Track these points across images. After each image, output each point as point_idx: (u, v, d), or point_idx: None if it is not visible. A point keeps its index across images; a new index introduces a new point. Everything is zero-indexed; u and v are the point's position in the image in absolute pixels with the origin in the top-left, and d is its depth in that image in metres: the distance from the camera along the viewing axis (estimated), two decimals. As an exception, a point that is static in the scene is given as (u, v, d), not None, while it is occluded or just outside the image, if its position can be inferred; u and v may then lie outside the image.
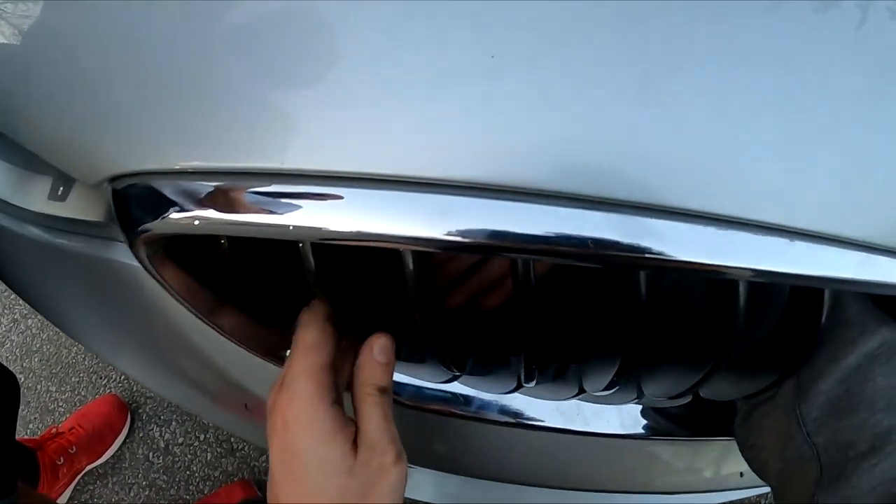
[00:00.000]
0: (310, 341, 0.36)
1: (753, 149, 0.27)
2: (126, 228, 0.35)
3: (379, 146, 0.28)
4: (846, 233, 0.29)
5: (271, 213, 0.30)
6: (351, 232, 0.29)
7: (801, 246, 0.29)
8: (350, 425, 0.36)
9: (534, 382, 0.46)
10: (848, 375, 0.35)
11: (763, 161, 0.27)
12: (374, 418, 0.37)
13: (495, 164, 0.27)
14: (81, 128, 0.35)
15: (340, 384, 0.40)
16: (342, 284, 0.37)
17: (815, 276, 0.29)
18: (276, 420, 0.36)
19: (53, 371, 1.53)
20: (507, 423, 0.53)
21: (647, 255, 0.27)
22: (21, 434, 1.47)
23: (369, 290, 0.41)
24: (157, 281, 0.39)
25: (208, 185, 0.32)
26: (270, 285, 0.41)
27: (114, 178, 0.35)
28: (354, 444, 0.36)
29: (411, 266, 0.31)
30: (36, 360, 1.56)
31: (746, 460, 0.44)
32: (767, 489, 0.49)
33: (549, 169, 0.27)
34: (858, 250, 0.30)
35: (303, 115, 0.29)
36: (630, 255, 0.27)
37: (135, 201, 0.34)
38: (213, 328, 0.44)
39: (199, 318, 0.42)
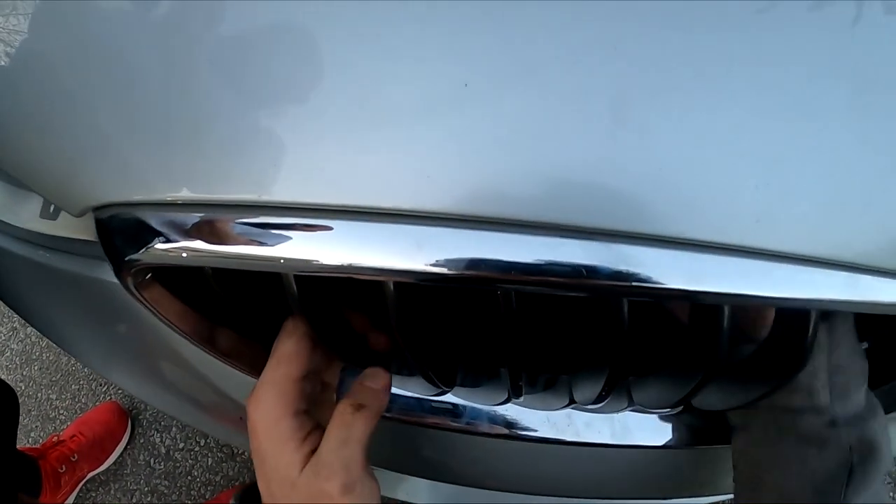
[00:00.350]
0: (285, 353, 0.37)
1: (735, 173, 0.27)
2: (112, 258, 0.35)
3: (364, 179, 0.28)
4: (830, 254, 0.29)
5: (261, 244, 0.30)
6: (343, 265, 0.29)
7: (785, 269, 0.29)
8: (313, 437, 0.36)
9: (522, 397, 0.46)
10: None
11: (746, 185, 0.27)
12: (332, 439, 0.35)
13: (476, 195, 0.27)
14: (65, 158, 0.35)
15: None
16: (326, 308, 0.37)
17: (801, 298, 0.29)
18: (248, 424, 0.37)
19: (53, 379, 1.53)
20: (497, 435, 0.53)
21: (626, 284, 0.27)
22: (22, 442, 1.47)
23: (352, 312, 0.41)
24: (145, 306, 0.38)
25: (194, 216, 0.32)
26: (257, 307, 0.41)
27: (98, 208, 0.35)
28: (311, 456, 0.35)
29: (392, 292, 0.31)
30: (36, 368, 1.56)
31: None
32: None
33: (528, 198, 0.27)
34: (843, 271, 0.30)
35: (288, 147, 0.29)
36: (610, 283, 0.27)
37: (119, 232, 0.34)
38: (203, 349, 0.44)
39: (189, 341, 0.42)
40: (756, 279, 0.28)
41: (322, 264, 0.29)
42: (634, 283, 0.27)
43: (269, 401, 0.36)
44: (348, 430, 0.36)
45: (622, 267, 0.27)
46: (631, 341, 0.33)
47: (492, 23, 0.26)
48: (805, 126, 0.27)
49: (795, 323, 0.36)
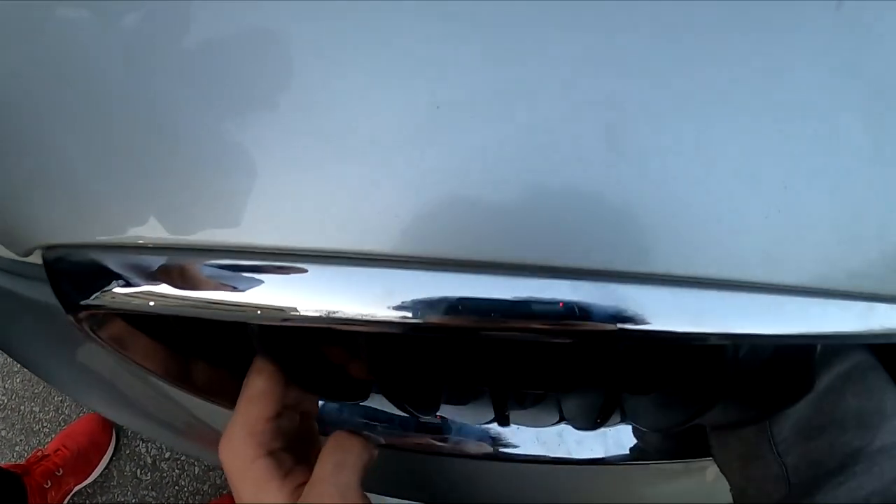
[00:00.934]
0: (255, 392, 0.35)
1: (742, 203, 0.24)
2: (65, 304, 0.32)
3: (333, 220, 0.25)
4: (844, 285, 0.27)
5: (233, 289, 0.28)
6: (322, 317, 0.26)
7: (797, 302, 0.26)
8: (295, 474, 0.34)
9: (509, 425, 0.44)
10: (820, 397, 0.35)
11: (754, 215, 0.24)
12: (327, 463, 0.33)
13: (452, 235, 0.24)
14: (9, 193, 0.32)
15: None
16: (293, 345, 0.35)
17: (814, 333, 0.27)
18: (224, 467, 0.35)
19: (36, 391, 1.50)
20: (484, 456, 0.51)
21: (624, 328, 0.25)
22: (6, 457, 1.44)
23: (325, 346, 0.38)
24: (105, 347, 0.36)
25: (159, 259, 0.29)
26: (226, 343, 0.39)
27: (47, 248, 0.32)
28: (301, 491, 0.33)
29: (364, 340, 0.28)
30: (18, 380, 1.52)
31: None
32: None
33: (514, 238, 0.24)
34: (858, 301, 0.27)
35: (256, 187, 0.26)
36: (604, 328, 0.25)
37: (72, 275, 0.31)
38: (177, 388, 0.41)
39: (160, 380, 0.40)
40: (766, 316, 0.26)
41: (303, 316, 0.26)
42: (632, 327, 0.25)
43: (240, 443, 0.34)
44: (344, 453, 0.34)
45: (618, 309, 0.24)
46: (626, 377, 0.31)
47: (466, 35, 0.23)
48: (814, 149, 0.24)
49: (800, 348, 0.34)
